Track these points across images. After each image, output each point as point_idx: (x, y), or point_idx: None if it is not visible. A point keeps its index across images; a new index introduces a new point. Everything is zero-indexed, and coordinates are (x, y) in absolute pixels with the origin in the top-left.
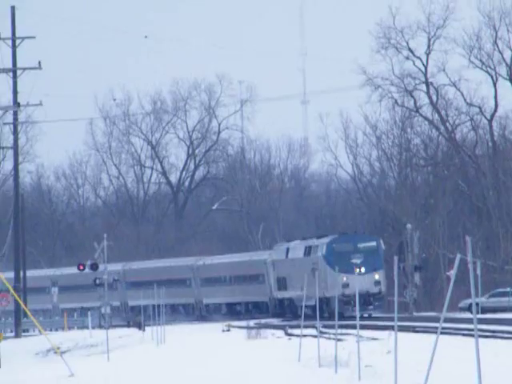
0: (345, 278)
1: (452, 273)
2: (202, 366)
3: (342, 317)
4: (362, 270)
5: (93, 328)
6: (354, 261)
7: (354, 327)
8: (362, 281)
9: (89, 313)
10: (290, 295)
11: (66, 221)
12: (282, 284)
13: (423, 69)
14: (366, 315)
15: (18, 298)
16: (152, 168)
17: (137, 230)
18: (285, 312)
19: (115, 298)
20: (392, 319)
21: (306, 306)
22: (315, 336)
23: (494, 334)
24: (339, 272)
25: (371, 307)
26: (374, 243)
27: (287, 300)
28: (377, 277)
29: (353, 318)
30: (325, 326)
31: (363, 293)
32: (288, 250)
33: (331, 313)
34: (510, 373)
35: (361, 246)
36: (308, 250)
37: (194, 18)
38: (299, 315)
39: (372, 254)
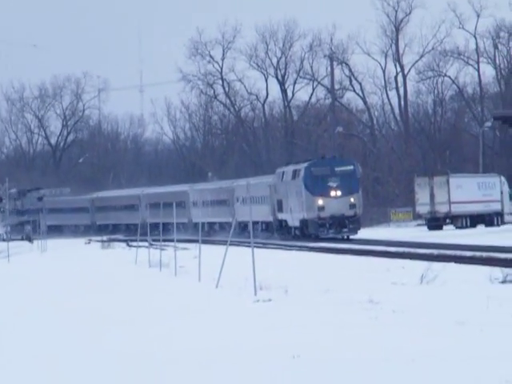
0: (321, 201)
1: None
2: (70, 262)
3: (317, 238)
4: (338, 193)
5: None
6: (331, 184)
7: (173, 240)
8: (338, 204)
9: None
10: (285, 217)
11: None
12: (279, 206)
13: (220, 69)
14: (345, 237)
15: None
16: (38, 134)
17: (31, 175)
18: (282, 232)
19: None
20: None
21: (294, 228)
22: (147, 247)
23: (264, 245)
24: (316, 195)
25: (346, 230)
26: (351, 167)
27: (284, 221)
28: (352, 200)
29: (328, 239)
30: (154, 240)
31: (339, 215)
32: (283, 174)
33: (310, 234)
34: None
35: (338, 169)
36: (294, 174)
37: None
38: (292, 235)
39: (349, 177)
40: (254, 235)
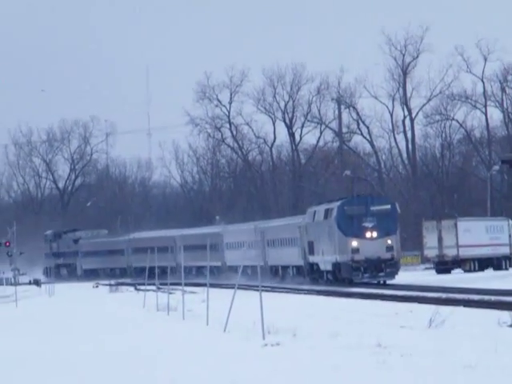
0: (355, 243)
1: None
2: (78, 307)
3: (351, 283)
4: (374, 234)
5: (6, 285)
6: (366, 224)
7: (181, 284)
8: (374, 246)
9: (3, 274)
10: (316, 260)
11: None
12: (310, 248)
13: (227, 113)
14: (381, 282)
15: None
16: (46, 178)
17: (38, 219)
18: (314, 277)
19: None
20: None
21: (326, 272)
22: (155, 290)
23: (273, 289)
24: (349, 236)
25: (382, 274)
26: (388, 206)
27: (315, 265)
28: (389, 242)
29: (363, 284)
30: (162, 284)
31: (374, 259)
32: (314, 213)
33: (343, 279)
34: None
35: (374, 208)
36: (326, 213)
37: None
38: (324, 280)
39: (386, 217)
40: (285, 280)
